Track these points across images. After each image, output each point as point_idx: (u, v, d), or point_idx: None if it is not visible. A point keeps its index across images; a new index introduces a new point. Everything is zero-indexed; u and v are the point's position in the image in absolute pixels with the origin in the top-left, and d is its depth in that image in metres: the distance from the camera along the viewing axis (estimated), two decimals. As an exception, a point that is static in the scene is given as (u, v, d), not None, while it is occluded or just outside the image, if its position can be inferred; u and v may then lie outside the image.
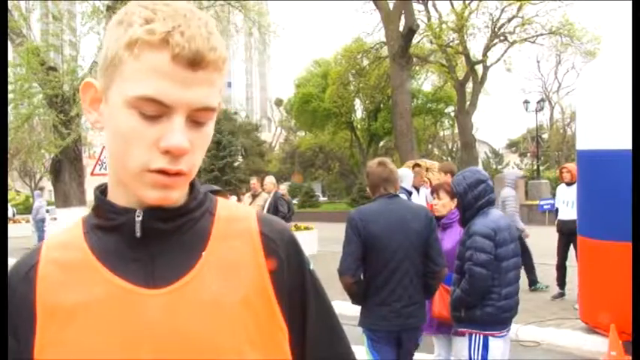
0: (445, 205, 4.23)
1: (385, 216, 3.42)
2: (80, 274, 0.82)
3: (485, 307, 3.53)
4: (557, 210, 8.33)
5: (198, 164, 0.81)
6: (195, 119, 0.78)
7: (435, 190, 4.44)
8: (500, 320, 3.57)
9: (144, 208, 0.81)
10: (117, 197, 0.84)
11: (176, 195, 0.81)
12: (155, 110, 0.76)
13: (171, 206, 0.82)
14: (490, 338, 3.55)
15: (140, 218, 0.81)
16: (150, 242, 0.82)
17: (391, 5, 20.65)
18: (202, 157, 0.82)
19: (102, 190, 0.89)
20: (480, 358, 3.52)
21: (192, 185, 0.87)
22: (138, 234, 0.81)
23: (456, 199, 3.89)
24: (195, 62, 0.75)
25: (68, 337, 0.78)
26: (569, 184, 7.92)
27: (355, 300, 3.50)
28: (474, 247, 3.51)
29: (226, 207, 0.91)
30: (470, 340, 3.60)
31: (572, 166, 8.47)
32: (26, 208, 25.72)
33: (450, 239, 4.10)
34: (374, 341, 3.48)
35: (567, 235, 7.74)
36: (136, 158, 0.77)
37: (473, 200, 3.63)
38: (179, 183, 0.80)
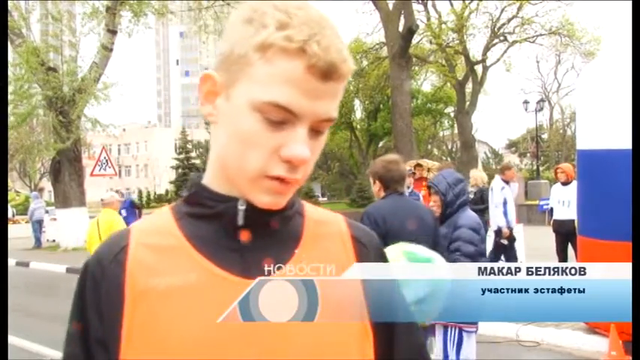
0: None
1: (401, 211, 3.49)
2: (174, 259, 0.81)
3: None
4: (551, 210, 8.34)
5: (310, 171, 0.81)
6: (316, 129, 0.77)
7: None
8: None
9: (245, 199, 0.81)
10: (217, 187, 0.84)
11: (285, 201, 0.81)
12: (281, 117, 0.75)
13: None
14: (464, 332, 3.63)
15: (244, 207, 0.81)
16: (247, 233, 0.82)
17: (391, 5, 20.65)
18: (314, 163, 0.82)
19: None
20: (454, 350, 3.61)
21: None
22: (240, 222, 0.81)
23: None
24: (328, 74, 0.74)
25: (159, 320, 0.78)
26: (564, 183, 7.94)
27: None
28: (462, 238, 3.57)
29: (314, 210, 0.92)
30: (445, 334, 3.66)
31: (567, 166, 8.48)
32: (26, 209, 25.72)
33: None
34: None
35: (565, 234, 7.74)
36: (255, 162, 0.76)
37: (454, 198, 3.71)
38: (292, 190, 0.80)
